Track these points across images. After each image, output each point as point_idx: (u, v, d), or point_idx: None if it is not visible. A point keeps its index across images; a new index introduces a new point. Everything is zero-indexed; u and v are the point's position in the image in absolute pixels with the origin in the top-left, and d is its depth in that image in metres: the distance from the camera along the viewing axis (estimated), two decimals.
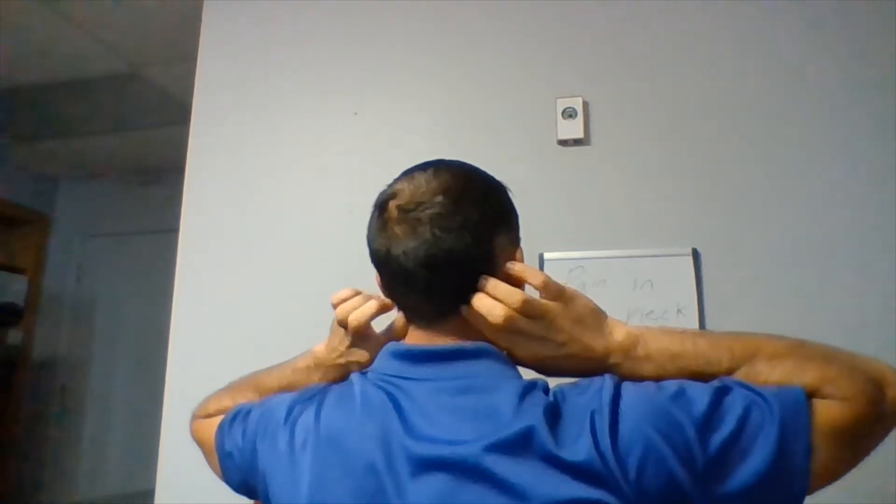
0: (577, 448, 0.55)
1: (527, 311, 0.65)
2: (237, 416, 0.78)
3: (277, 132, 1.79)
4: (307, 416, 0.68)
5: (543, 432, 0.56)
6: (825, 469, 0.57)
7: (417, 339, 0.70)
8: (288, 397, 0.73)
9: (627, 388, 0.60)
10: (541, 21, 1.69)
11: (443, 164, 0.71)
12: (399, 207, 0.67)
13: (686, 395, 0.58)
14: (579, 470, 0.54)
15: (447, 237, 0.64)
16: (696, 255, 1.46)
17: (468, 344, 0.66)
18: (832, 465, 0.57)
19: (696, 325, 1.42)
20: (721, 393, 0.58)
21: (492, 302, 0.65)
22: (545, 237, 1.50)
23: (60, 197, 3.97)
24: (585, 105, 1.60)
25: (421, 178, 0.68)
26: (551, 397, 0.60)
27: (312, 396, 0.71)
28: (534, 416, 0.57)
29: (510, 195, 0.74)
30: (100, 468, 3.52)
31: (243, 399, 0.84)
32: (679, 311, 1.43)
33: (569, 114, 1.59)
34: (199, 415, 0.91)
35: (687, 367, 0.63)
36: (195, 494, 1.55)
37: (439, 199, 0.66)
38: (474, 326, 0.67)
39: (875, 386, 0.58)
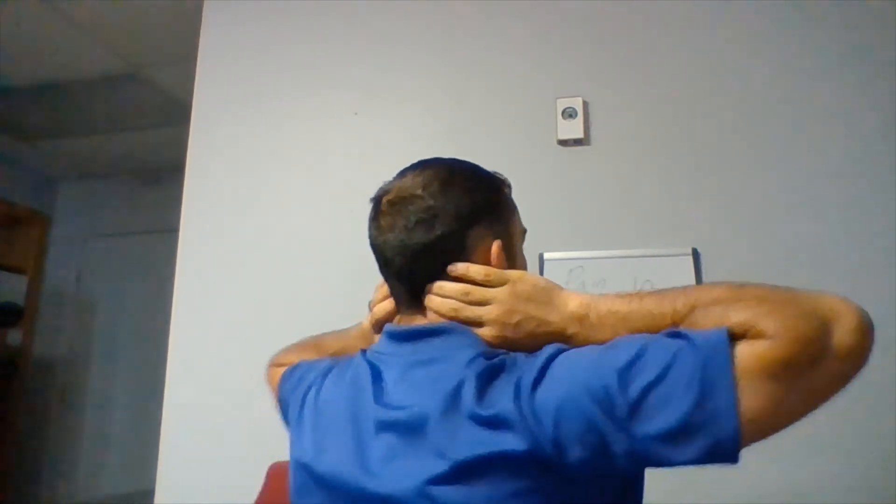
0: (496, 403, 0.60)
1: (472, 300, 0.71)
2: (290, 371, 0.90)
3: (277, 132, 1.79)
4: (314, 389, 0.79)
5: (469, 392, 0.61)
6: (761, 410, 0.54)
7: (401, 320, 0.78)
8: (317, 366, 0.84)
9: (569, 352, 0.63)
10: (541, 21, 1.69)
11: (431, 162, 0.78)
12: (388, 202, 0.75)
13: (616, 346, 0.60)
14: (491, 422, 0.59)
15: (418, 229, 0.72)
16: (696, 255, 1.46)
17: (436, 324, 0.73)
18: (767, 404, 0.54)
19: None
20: (650, 341, 0.59)
21: (440, 299, 0.73)
22: (545, 237, 1.50)
23: (60, 197, 3.97)
24: (585, 105, 1.60)
25: (409, 175, 0.76)
26: (496, 361, 0.64)
27: (324, 370, 0.81)
28: (467, 377, 0.62)
29: (502, 189, 0.80)
30: (100, 468, 3.52)
31: (306, 356, 0.94)
32: None
33: (569, 114, 1.60)
34: (272, 363, 1.02)
35: (636, 328, 0.64)
36: (195, 494, 1.55)
37: (419, 192, 0.73)
38: None
39: (813, 321, 0.55)
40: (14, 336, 3.56)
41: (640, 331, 0.63)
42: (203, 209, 1.79)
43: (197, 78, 1.89)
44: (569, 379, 0.59)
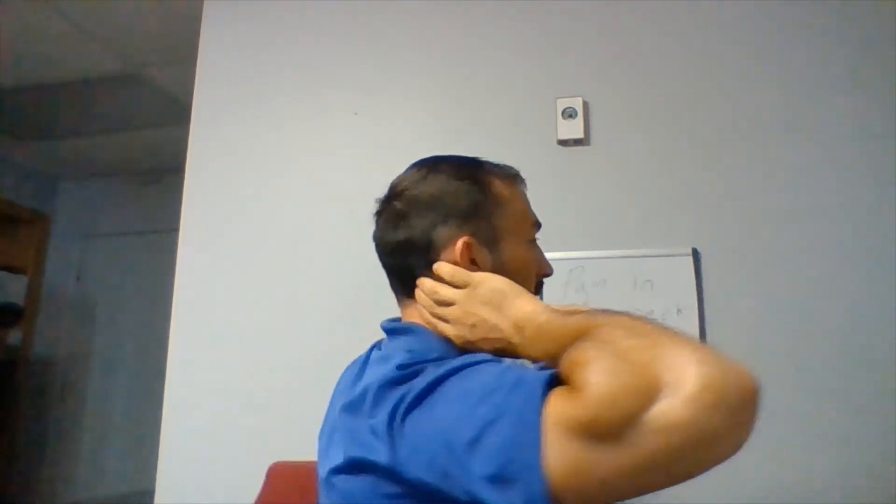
0: (378, 414, 0.60)
1: (438, 299, 0.73)
2: None
3: (277, 132, 1.79)
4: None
5: (370, 397, 0.63)
6: (567, 471, 0.48)
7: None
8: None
9: (451, 382, 0.58)
10: (541, 21, 1.69)
11: (425, 159, 0.81)
12: (379, 200, 0.80)
13: (478, 394, 0.55)
14: (373, 429, 0.60)
15: (388, 228, 0.77)
16: (696, 255, 1.46)
17: (401, 323, 0.78)
18: (573, 467, 0.48)
19: (696, 324, 1.42)
20: (491, 388, 0.55)
21: (421, 295, 0.75)
22: (545, 237, 1.50)
23: (60, 197, 3.97)
24: (585, 105, 1.60)
25: (402, 173, 0.81)
26: (409, 372, 0.63)
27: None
28: (375, 382, 0.64)
29: (487, 182, 0.77)
30: (100, 468, 3.52)
31: None
32: (679, 311, 1.43)
33: (569, 114, 1.59)
34: None
35: (563, 345, 0.57)
36: (195, 494, 1.55)
37: (397, 190, 0.78)
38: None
39: (633, 380, 0.47)
40: (14, 336, 3.57)
41: (565, 347, 0.56)
42: (203, 209, 1.79)
43: (197, 78, 1.89)
44: (435, 418, 0.56)
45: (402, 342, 0.75)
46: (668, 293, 1.45)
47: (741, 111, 1.55)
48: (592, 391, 0.48)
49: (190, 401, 1.65)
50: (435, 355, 0.67)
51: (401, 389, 0.61)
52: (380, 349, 0.77)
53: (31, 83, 2.76)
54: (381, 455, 0.59)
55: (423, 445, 0.56)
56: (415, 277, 0.76)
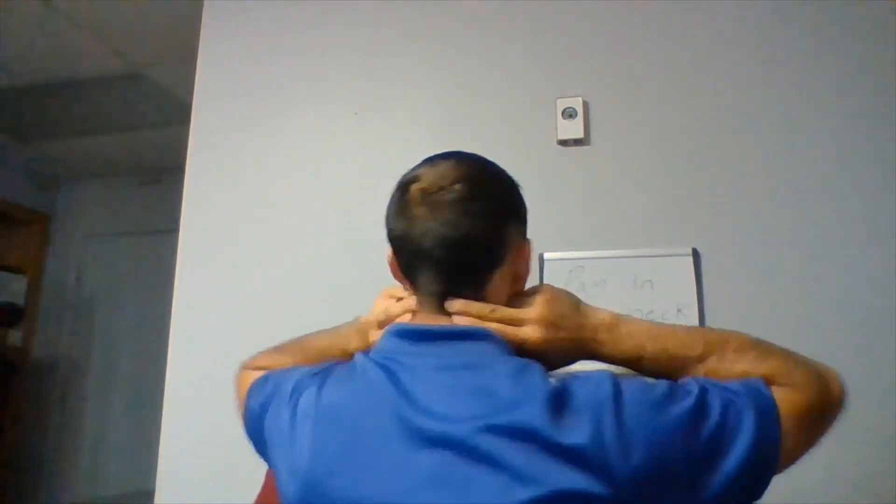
0: (577, 433, 0.57)
1: (501, 315, 0.71)
2: (263, 381, 0.82)
3: (277, 132, 1.79)
4: (309, 393, 0.70)
5: (543, 417, 0.57)
6: (790, 450, 0.63)
7: (423, 319, 0.73)
8: (298, 372, 0.76)
9: (624, 383, 0.62)
10: (541, 21, 1.69)
11: (463, 155, 0.76)
12: (421, 190, 0.70)
13: (675, 392, 0.62)
14: (573, 454, 0.56)
15: (465, 221, 0.68)
16: (696, 255, 1.46)
17: (468, 326, 0.69)
18: (795, 446, 0.63)
19: (696, 324, 1.42)
20: (702, 391, 0.62)
21: (470, 302, 0.71)
22: (545, 237, 1.50)
23: (60, 197, 3.97)
24: (585, 105, 1.60)
25: (443, 165, 0.72)
26: (556, 383, 0.61)
27: (316, 374, 0.73)
28: (534, 399, 0.59)
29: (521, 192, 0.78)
30: (100, 468, 3.52)
31: (286, 361, 0.87)
32: (679, 311, 1.43)
33: (569, 114, 1.59)
34: (246, 366, 0.95)
35: (665, 348, 0.70)
36: (195, 494, 1.55)
37: (459, 185, 0.70)
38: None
39: (822, 379, 0.67)
40: (14, 336, 3.57)
41: (669, 353, 0.69)
42: (203, 209, 1.79)
43: (197, 78, 1.89)
44: (647, 417, 0.59)
45: (482, 347, 0.67)
46: (668, 293, 1.45)
47: (741, 111, 1.54)
48: (810, 386, 0.66)
49: (190, 401, 1.65)
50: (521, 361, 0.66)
51: (577, 402, 0.59)
52: (416, 358, 0.67)
53: (31, 83, 2.76)
54: (588, 482, 0.55)
55: (655, 447, 0.59)
56: (475, 274, 0.71)
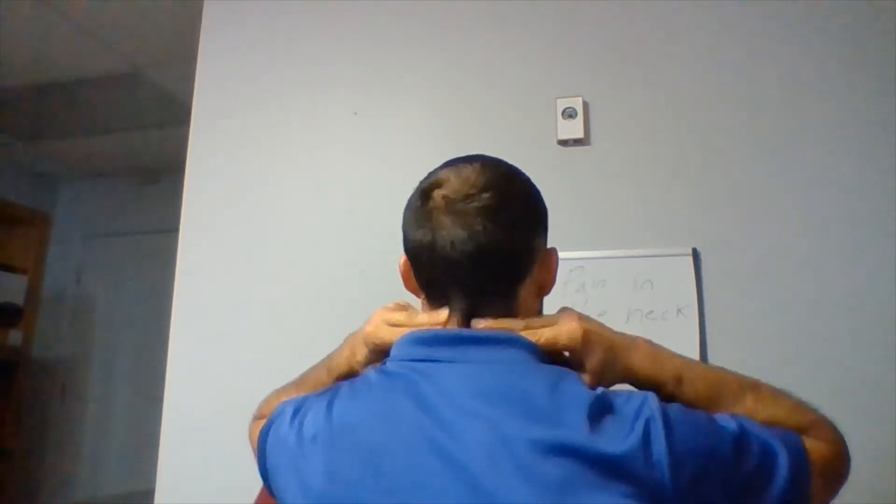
0: (622, 446, 0.54)
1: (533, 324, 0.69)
2: (267, 427, 0.77)
3: (277, 132, 1.79)
4: (317, 411, 0.66)
5: (584, 427, 0.55)
6: (814, 496, 0.64)
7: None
8: (295, 399, 0.73)
9: (667, 405, 0.61)
10: (541, 21, 1.69)
11: (487, 159, 0.72)
12: (445, 197, 0.66)
13: (717, 421, 0.62)
14: (617, 466, 0.53)
15: (496, 231, 0.65)
16: (696, 255, 1.46)
17: (499, 332, 0.66)
18: (817, 497, 0.65)
19: (695, 325, 1.42)
20: (741, 428, 0.62)
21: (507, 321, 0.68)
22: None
23: (60, 197, 3.97)
24: (585, 105, 1.60)
25: (468, 171, 0.68)
26: (598, 392, 0.60)
27: (323, 393, 0.69)
28: (574, 410, 0.56)
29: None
30: (100, 468, 3.52)
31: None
32: (679, 311, 1.43)
33: (569, 114, 1.59)
34: (255, 416, 0.92)
35: (704, 376, 0.71)
36: (195, 494, 1.55)
37: (487, 193, 0.66)
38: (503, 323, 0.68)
39: (843, 439, 0.70)
40: (14, 336, 3.57)
41: (705, 378, 0.70)
42: (203, 209, 1.79)
43: (197, 78, 1.89)
44: (695, 439, 0.58)
45: (517, 355, 0.64)
46: (668, 293, 1.45)
47: (741, 111, 1.54)
48: (836, 442, 0.69)
49: (190, 401, 1.65)
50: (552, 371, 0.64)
51: (620, 414, 0.58)
52: (444, 365, 0.63)
53: (32, 83, 2.76)
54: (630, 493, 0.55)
55: (701, 461, 0.60)
56: (505, 286, 0.68)
